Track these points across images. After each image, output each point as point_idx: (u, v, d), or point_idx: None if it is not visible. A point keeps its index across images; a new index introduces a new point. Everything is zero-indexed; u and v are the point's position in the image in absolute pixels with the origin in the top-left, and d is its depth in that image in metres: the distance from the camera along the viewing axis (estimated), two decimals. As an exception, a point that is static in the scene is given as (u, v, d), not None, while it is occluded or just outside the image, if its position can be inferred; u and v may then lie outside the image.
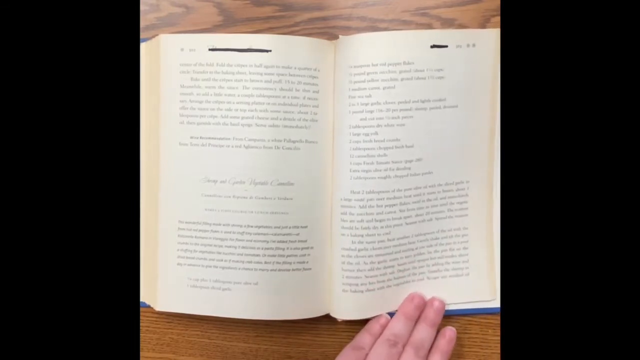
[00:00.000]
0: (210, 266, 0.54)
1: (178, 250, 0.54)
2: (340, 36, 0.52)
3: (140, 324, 0.57)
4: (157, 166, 0.55)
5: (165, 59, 0.54)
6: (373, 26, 0.55)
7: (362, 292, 0.53)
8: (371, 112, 0.51)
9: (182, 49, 0.53)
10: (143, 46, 0.56)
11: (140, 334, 0.57)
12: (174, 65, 0.54)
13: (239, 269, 0.53)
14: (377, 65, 0.51)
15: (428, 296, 0.55)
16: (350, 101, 0.52)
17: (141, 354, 0.57)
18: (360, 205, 0.52)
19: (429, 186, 0.53)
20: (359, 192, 0.52)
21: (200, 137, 0.53)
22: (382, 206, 0.52)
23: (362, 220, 0.52)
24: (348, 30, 0.55)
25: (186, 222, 0.54)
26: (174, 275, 0.55)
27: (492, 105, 0.54)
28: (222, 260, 0.54)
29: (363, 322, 0.56)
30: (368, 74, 0.51)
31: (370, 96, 0.51)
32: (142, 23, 0.57)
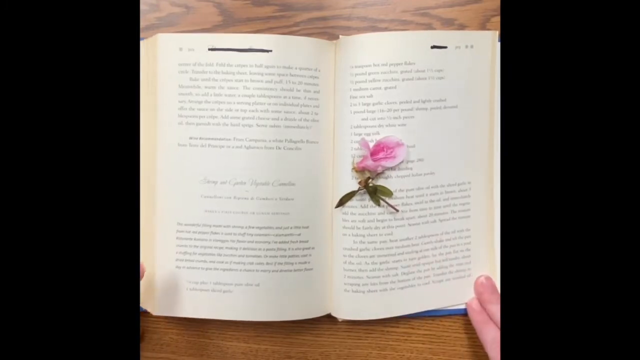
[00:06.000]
0: (210, 268, 0.53)
1: (177, 252, 0.54)
2: (340, 36, 0.52)
3: (140, 324, 0.57)
4: (155, 167, 0.54)
5: (163, 58, 0.53)
6: (373, 26, 0.55)
7: (363, 292, 0.53)
8: (372, 112, 0.51)
9: (180, 49, 0.53)
10: (145, 44, 0.55)
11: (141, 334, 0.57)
12: (172, 65, 0.53)
13: (240, 270, 0.53)
14: (378, 65, 0.51)
15: (430, 298, 0.55)
16: (351, 101, 0.52)
17: (141, 354, 0.57)
18: (361, 205, 0.52)
19: (432, 187, 0.53)
20: (360, 192, 0.52)
21: (200, 138, 0.53)
22: (383, 206, 0.52)
23: (363, 220, 0.52)
24: (348, 30, 0.55)
25: (185, 224, 0.53)
26: (172, 279, 0.54)
27: (490, 106, 0.54)
28: (222, 262, 0.53)
29: (363, 323, 0.56)
30: (370, 74, 0.51)
31: (371, 96, 0.51)
32: (142, 23, 0.57)
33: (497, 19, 0.54)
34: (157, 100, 0.54)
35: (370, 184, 0.51)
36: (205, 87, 0.52)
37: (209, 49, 0.52)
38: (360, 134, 0.51)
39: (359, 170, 0.52)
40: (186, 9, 0.56)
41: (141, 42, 0.55)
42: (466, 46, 0.52)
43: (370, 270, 0.52)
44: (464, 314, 0.55)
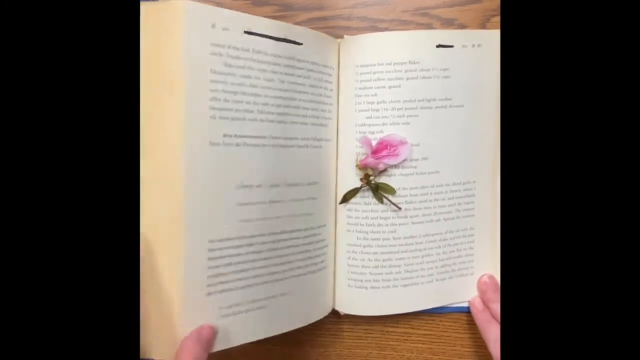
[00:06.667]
0: (245, 287, 0.46)
1: (208, 276, 0.44)
2: (345, 36, 0.53)
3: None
4: (181, 173, 0.43)
5: (191, 33, 0.42)
6: (373, 26, 0.56)
7: (366, 288, 0.53)
8: (377, 110, 0.51)
9: (213, 26, 0.43)
10: (148, 9, 0.43)
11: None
12: (203, 43, 0.43)
13: (274, 281, 0.48)
14: (383, 64, 0.51)
15: (433, 296, 0.55)
16: (356, 99, 0.52)
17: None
18: (365, 202, 0.52)
19: (436, 186, 0.53)
20: (364, 189, 0.52)
21: (235, 135, 0.45)
22: (387, 204, 0.52)
23: (366, 217, 0.52)
24: (348, 30, 0.56)
25: (218, 240, 0.44)
26: (201, 310, 0.44)
27: (497, 106, 0.54)
28: (256, 276, 0.47)
29: (364, 323, 0.56)
30: (374, 73, 0.51)
31: (376, 95, 0.51)
32: (143, 22, 0.56)
33: (497, 19, 0.54)
34: (182, 87, 0.42)
35: (372, 182, 0.51)
36: (241, 76, 0.45)
37: (245, 32, 0.45)
38: (364, 132, 0.52)
39: (362, 167, 0.52)
40: (186, 9, 0.56)
41: (149, 3, 0.43)
42: (473, 45, 0.52)
43: (374, 267, 0.53)
44: (466, 312, 0.56)
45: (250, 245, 0.46)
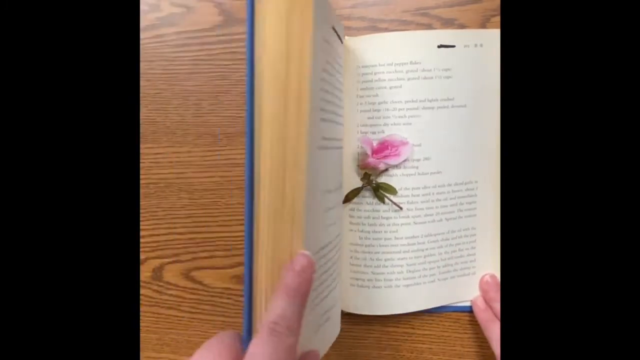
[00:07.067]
0: (324, 299, 0.43)
1: (313, 290, 0.36)
2: (346, 37, 0.52)
3: (141, 324, 0.57)
4: (302, 181, 0.34)
5: (317, 27, 0.36)
6: (373, 26, 0.56)
7: (368, 287, 0.53)
8: (378, 111, 0.52)
9: (324, 20, 0.39)
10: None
11: (141, 334, 0.57)
12: (320, 39, 0.38)
13: (334, 289, 0.46)
14: (384, 65, 0.51)
15: (435, 296, 0.55)
16: (358, 100, 0.52)
17: (141, 354, 0.57)
18: (367, 202, 0.52)
19: (438, 186, 0.53)
20: (366, 189, 0.53)
21: (328, 139, 0.41)
22: (388, 204, 0.52)
23: (368, 217, 0.53)
24: (348, 30, 0.56)
25: (320, 250, 0.40)
26: (302, 330, 0.36)
27: (500, 105, 0.54)
28: (328, 287, 0.44)
29: (363, 323, 0.56)
30: (375, 73, 0.51)
31: (377, 95, 0.51)
32: (142, 23, 0.56)
33: (497, 19, 0.54)
34: (308, 87, 0.34)
35: (373, 181, 0.52)
36: (329, 75, 0.42)
37: (332, 27, 0.42)
38: (365, 132, 0.52)
39: (363, 167, 0.52)
40: (186, 9, 0.56)
41: None
42: (475, 45, 0.52)
43: (375, 267, 0.53)
44: (468, 311, 0.56)
45: (324, 256, 0.42)
